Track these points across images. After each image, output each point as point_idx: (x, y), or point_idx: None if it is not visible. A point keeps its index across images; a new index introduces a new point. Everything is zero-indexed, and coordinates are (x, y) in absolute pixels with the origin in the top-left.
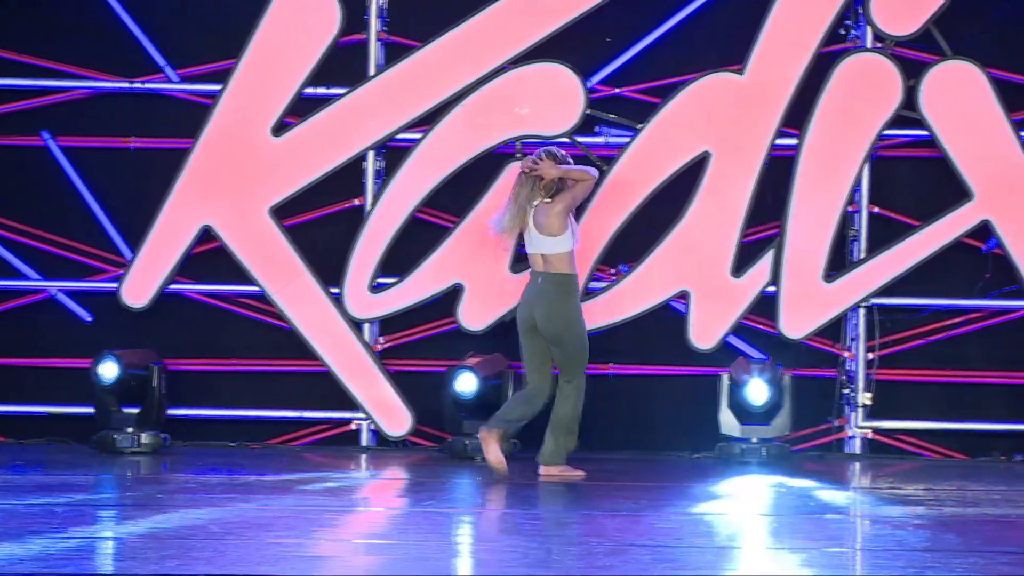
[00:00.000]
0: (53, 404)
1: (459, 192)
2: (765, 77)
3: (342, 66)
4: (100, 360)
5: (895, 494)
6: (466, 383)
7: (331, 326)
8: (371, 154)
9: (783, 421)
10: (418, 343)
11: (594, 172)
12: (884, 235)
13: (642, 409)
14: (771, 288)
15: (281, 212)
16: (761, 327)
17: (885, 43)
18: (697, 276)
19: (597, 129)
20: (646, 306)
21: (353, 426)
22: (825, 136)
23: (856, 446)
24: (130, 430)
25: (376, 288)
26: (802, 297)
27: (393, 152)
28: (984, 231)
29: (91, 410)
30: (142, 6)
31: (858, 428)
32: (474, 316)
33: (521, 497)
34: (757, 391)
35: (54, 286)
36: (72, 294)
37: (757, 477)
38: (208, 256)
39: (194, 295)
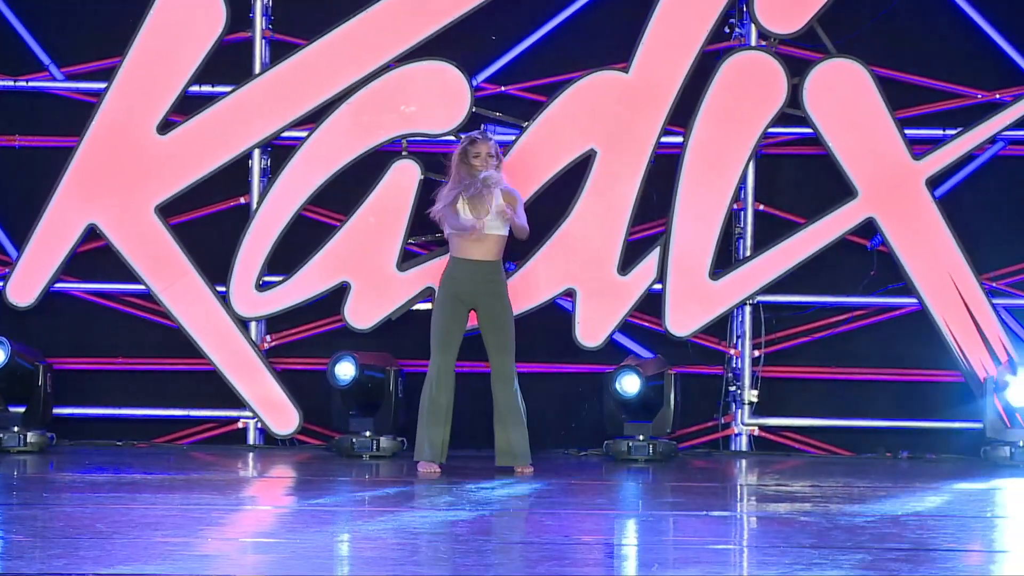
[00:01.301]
0: None
1: (345, 190)
2: (650, 75)
3: (227, 64)
4: None
5: (781, 491)
6: (344, 370)
7: (217, 324)
8: (257, 152)
9: (665, 417)
10: (305, 341)
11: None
12: (770, 233)
13: (530, 407)
14: (657, 286)
15: (167, 210)
16: (648, 325)
17: (769, 41)
18: (583, 274)
19: (483, 127)
20: (532, 304)
21: (240, 425)
22: (710, 134)
23: (743, 443)
24: (16, 429)
25: (262, 286)
26: (688, 295)
27: (279, 150)
28: (869, 228)
29: None
30: (26, 3)
31: (744, 425)
32: (361, 315)
33: (408, 495)
34: (629, 383)
35: None
36: None
37: (643, 474)
38: (94, 255)
39: (80, 294)
